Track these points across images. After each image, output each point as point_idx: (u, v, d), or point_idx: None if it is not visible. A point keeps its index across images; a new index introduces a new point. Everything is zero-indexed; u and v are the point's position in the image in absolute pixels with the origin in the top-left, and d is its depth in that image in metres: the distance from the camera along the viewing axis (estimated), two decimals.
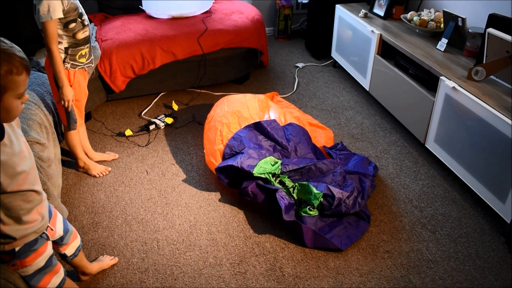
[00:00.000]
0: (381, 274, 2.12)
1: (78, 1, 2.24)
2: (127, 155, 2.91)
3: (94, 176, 2.70)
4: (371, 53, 3.40)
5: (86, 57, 2.38)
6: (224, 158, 2.54)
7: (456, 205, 2.54)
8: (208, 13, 3.78)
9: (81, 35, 2.28)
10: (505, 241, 2.30)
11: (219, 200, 2.55)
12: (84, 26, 2.28)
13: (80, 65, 2.35)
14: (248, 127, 2.65)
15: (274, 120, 2.70)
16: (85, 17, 2.30)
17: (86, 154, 2.73)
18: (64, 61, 2.27)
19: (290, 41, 4.84)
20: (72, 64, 2.31)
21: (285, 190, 2.42)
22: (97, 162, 2.78)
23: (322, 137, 2.99)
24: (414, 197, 2.59)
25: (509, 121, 2.18)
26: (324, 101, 3.61)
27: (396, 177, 2.75)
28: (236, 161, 2.42)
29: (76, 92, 2.37)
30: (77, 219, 2.39)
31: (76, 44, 2.28)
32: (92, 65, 2.48)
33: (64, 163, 2.78)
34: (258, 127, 2.66)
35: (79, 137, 2.61)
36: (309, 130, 2.85)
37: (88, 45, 2.37)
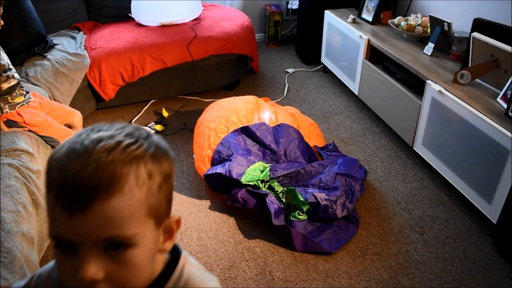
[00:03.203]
0: (370, 276, 2.14)
1: (2, 55, 2.21)
2: None
3: None
4: (360, 58, 3.44)
5: (23, 95, 2.35)
6: (212, 164, 2.56)
7: (444, 206, 2.57)
8: (197, 20, 3.81)
9: (5, 86, 2.24)
10: (492, 242, 2.33)
11: (210, 206, 2.56)
12: (8, 78, 2.24)
13: (20, 103, 2.32)
14: (236, 131, 2.66)
15: (263, 123, 2.71)
16: (11, 72, 2.27)
17: None
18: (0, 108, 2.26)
19: (280, 47, 4.88)
20: (10, 106, 2.29)
21: (274, 195, 2.44)
22: None
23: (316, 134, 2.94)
24: (403, 199, 2.62)
25: (494, 124, 2.21)
26: (314, 106, 3.64)
27: (385, 180, 2.77)
28: (224, 169, 2.43)
29: (33, 122, 2.34)
30: None
31: (3, 93, 2.26)
32: (32, 99, 2.42)
33: None
34: (246, 131, 2.67)
35: None
36: (306, 127, 2.85)
37: (18, 87, 2.32)
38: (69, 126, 2.67)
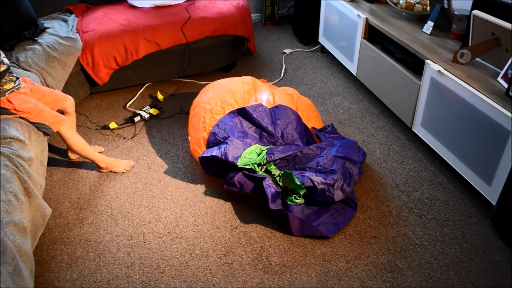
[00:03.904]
0: (368, 259, 2.12)
1: None
2: (112, 148, 2.88)
3: (122, 173, 2.67)
4: (358, 38, 3.37)
5: (13, 81, 2.29)
6: (208, 146, 2.52)
7: (443, 188, 2.54)
8: (191, 1, 3.72)
9: None
10: (491, 223, 2.30)
11: (206, 191, 2.53)
12: None
13: (10, 90, 2.27)
14: (232, 113, 2.61)
15: (260, 105, 2.66)
16: (0, 57, 2.22)
17: (72, 150, 2.68)
18: None
19: (277, 27, 4.79)
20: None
21: (271, 179, 2.40)
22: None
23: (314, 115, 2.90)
24: (401, 181, 2.59)
25: (494, 104, 2.16)
26: (311, 87, 3.59)
27: (383, 162, 2.74)
28: (220, 151, 2.39)
29: (23, 108, 2.29)
30: (62, 216, 2.37)
31: None
32: (22, 85, 2.37)
33: (50, 161, 2.76)
34: (242, 113, 2.62)
35: (80, 139, 2.53)
36: (305, 108, 2.80)
37: (7, 73, 2.27)
38: (62, 112, 2.63)
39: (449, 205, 2.42)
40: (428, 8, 3.13)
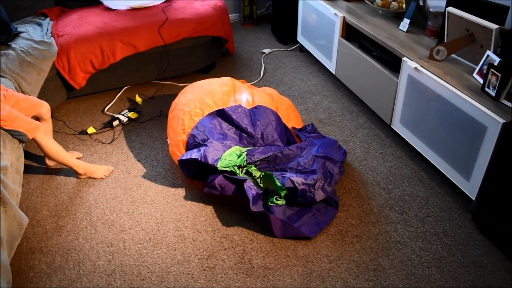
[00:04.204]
0: (351, 259, 2.12)
1: None
2: (90, 154, 2.83)
3: (101, 178, 2.63)
4: (336, 36, 3.38)
5: None
6: (187, 148, 2.49)
7: (423, 184, 2.55)
8: (168, 2, 3.69)
9: None
10: (472, 218, 2.32)
11: (186, 195, 2.51)
12: None
13: None
14: (211, 114, 2.59)
15: (240, 106, 2.64)
16: None
17: (49, 157, 2.63)
18: None
19: (256, 27, 4.78)
20: None
21: (252, 180, 2.39)
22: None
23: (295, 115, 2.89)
24: (382, 179, 2.60)
25: (470, 100, 2.18)
26: (291, 86, 3.58)
27: (363, 160, 2.75)
28: (200, 154, 2.37)
29: None
30: (40, 224, 2.32)
31: None
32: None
33: (27, 169, 2.70)
34: (222, 114, 2.60)
35: (57, 145, 2.48)
36: (285, 108, 2.79)
37: None
38: (37, 119, 2.57)
39: (429, 201, 2.44)
40: (404, 5, 3.15)
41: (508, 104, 2.11)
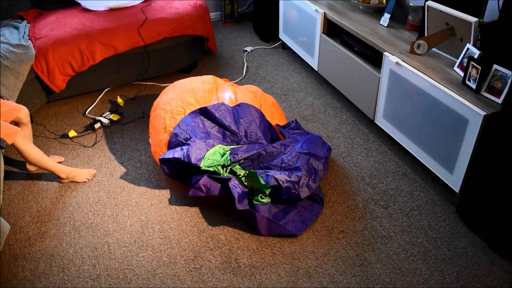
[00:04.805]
0: (337, 255, 2.12)
1: None
2: (72, 158, 2.79)
3: (84, 182, 2.59)
4: (317, 33, 3.37)
5: None
6: (169, 147, 2.46)
7: (407, 178, 2.57)
8: (147, 2, 3.65)
9: None
10: (456, 211, 2.34)
11: (171, 196, 2.48)
12: None
13: None
14: (194, 113, 2.57)
15: (222, 103, 2.62)
16: None
17: (30, 162, 2.58)
18: None
19: (238, 25, 4.76)
20: None
21: (237, 179, 2.37)
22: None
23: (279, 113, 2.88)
24: (366, 174, 2.60)
25: (452, 93, 2.20)
26: (274, 84, 3.57)
27: (347, 156, 2.75)
28: (182, 153, 2.34)
29: None
30: (22, 231, 2.28)
31: None
32: None
33: (7, 175, 2.65)
34: (204, 112, 2.58)
35: (37, 150, 2.43)
36: (269, 106, 2.78)
37: None
38: (16, 124, 2.52)
39: (414, 195, 2.45)
40: (384, 0, 3.16)
41: (489, 96, 2.13)
